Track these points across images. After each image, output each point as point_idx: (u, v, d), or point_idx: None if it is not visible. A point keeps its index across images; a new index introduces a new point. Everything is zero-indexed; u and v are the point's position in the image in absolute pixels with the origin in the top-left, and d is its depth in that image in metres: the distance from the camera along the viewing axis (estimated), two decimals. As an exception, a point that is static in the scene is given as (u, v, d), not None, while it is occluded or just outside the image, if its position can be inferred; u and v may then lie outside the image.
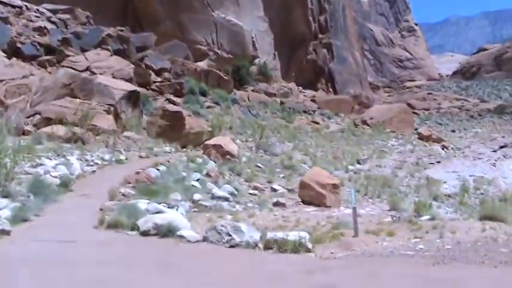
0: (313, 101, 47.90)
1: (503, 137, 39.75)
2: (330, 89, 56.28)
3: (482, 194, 25.47)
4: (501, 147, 35.54)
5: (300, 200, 17.22)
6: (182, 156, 20.53)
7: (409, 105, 53.90)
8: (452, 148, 35.07)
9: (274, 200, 16.64)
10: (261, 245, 8.49)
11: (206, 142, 21.92)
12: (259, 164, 21.78)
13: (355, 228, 10.92)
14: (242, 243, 8.37)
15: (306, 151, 26.74)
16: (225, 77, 41.89)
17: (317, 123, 38.77)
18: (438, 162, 29.62)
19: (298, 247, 8.38)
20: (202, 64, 43.70)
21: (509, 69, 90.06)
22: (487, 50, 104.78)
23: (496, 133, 42.45)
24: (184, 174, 17.13)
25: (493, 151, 34.55)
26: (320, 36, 57.77)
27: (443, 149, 34.04)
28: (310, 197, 16.94)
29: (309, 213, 14.48)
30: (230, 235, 8.44)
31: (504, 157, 33.18)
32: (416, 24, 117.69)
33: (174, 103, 30.06)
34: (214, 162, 20.15)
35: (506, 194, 26.10)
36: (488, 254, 8.45)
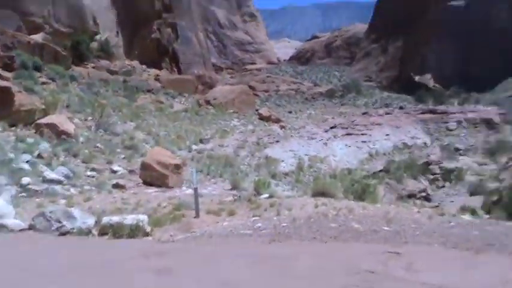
0: (157, 80, 46.75)
1: (333, 118, 42.70)
2: (174, 69, 55.53)
3: (315, 171, 27.14)
4: (331, 127, 38.17)
5: (141, 181, 16.65)
6: (10, 135, 18.54)
7: (250, 87, 55.38)
8: (289, 128, 36.77)
9: (114, 181, 15.85)
10: (95, 231, 7.90)
11: (38, 121, 20.07)
12: (98, 145, 20.53)
13: (196, 208, 10.77)
14: (74, 230, 7.69)
15: (149, 131, 25.99)
16: (63, 52, 38.87)
17: (161, 102, 37.94)
18: (277, 141, 30.84)
19: (135, 231, 7.96)
20: (37, 37, 40.03)
21: (337, 56, 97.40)
22: (319, 38, 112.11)
23: (327, 115, 45.46)
24: (11, 155, 15.47)
25: (325, 131, 36.98)
26: (164, 15, 56.57)
27: (281, 129, 35.57)
28: (152, 177, 16.45)
29: (150, 195, 14.01)
30: (60, 222, 7.68)
31: (334, 137, 35.72)
32: (257, 10, 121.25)
33: (2, 78, 27.04)
34: (48, 142, 18.53)
35: (336, 171, 28.18)
36: (320, 229, 8.90)
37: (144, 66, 49.91)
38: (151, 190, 15.30)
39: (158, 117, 31.56)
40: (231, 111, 39.89)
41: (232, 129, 32.70)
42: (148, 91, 41.68)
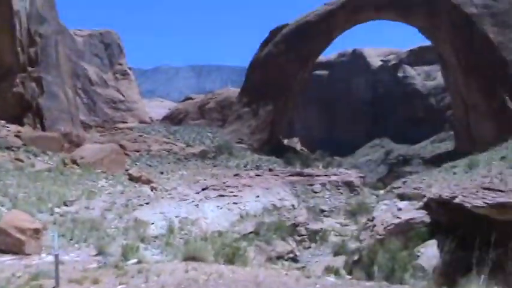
0: (17, 136, 43.73)
1: (205, 179, 42.80)
2: (38, 125, 52.54)
3: (186, 234, 26.63)
4: (203, 189, 38.16)
5: (-7, 248, 15.07)
6: None
7: (120, 146, 53.94)
8: (160, 189, 36.08)
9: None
10: None
11: None
12: None
13: (56, 278, 9.96)
14: None
15: (5, 192, 23.94)
16: None
17: (21, 160, 35.39)
18: (147, 203, 30.01)
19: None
20: None
21: (211, 118, 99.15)
22: (193, 99, 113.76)
23: (199, 176, 45.48)
24: None
25: (197, 193, 36.84)
26: (29, 69, 53.84)
27: (152, 190, 34.78)
28: (7, 244, 14.94)
29: (3, 264, 12.71)
30: None
31: (206, 198, 35.64)
32: (130, 69, 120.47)
33: None
34: None
35: (207, 234, 27.91)
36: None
37: (3, 122, 46.58)
38: (6, 258, 13.88)
39: (17, 177, 29.31)
40: (99, 171, 38.33)
41: (100, 190, 31.29)
42: (7, 148, 38.85)
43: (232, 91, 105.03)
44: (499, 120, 56.20)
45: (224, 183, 40.29)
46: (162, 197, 33.21)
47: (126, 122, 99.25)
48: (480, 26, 61.15)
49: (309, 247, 30.17)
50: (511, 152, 30.70)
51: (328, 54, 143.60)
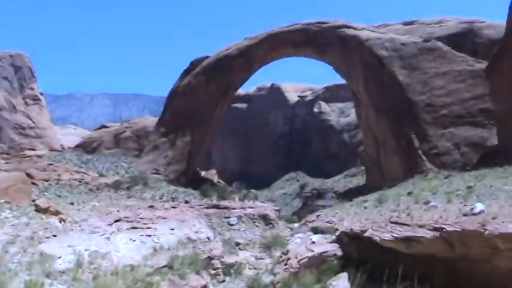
0: None
1: (118, 211, 41.37)
2: None
3: (96, 268, 25.43)
4: (116, 221, 36.79)
5: None
6: None
7: (28, 174, 51.17)
8: (69, 221, 34.41)
9: None
10: None
11: None
12: None
13: None
14: None
15: None
16: None
17: None
18: (54, 236, 28.44)
19: None
20: None
21: (126, 147, 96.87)
22: (108, 127, 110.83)
23: (112, 207, 43.93)
24: None
25: (109, 225, 35.42)
26: None
27: (60, 222, 33.06)
28: None
29: None
30: None
31: (118, 231, 34.33)
32: (41, 94, 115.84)
33: None
34: None
35: (118, 268, 26.83)
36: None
37: None
38: None
39: None
40: (3, 201, 35.97)
41: (3, 222, 29.29)
42: None
43: (150, 120, 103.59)
44: (406, 157, 59.26)
45: (138, 215, 39.15)
46: (71, 229, 31.60)
47: (35, 150, 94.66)
48: (390, 68, 64.80)
49: (223, 281, 29.81)
50: (417, 188, 32.28)
51: (248, 88, 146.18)
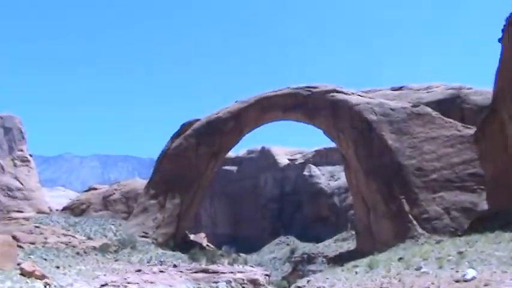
0: None
1: (105, 275, 40.56)
2: None
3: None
4: (102, 285, 36.01)
5: None
6: None
7: (14, 237, 50.25)
8: (55, 285, 33.57)
9: None
10: None
11: None
12: None
13: None
14: None
15: None
16: None
17: None
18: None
19: None
20: None
21: (115, 209, 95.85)
22: (97, 189, 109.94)
23: (98, 271, 43.06)
24: None
25: (95, 290, 34.65)
26: None
27: (45, 287, 32.24)
28: None
29: None
30: None
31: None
32: (30, 155, 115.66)
33: None
34: None
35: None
36: None
37: None
38: None
39: None
40: (-12, 264, 35.14)
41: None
42: None
43: (139, 182, 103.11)
44: (396, 222, 59.12)
45: (125, 279, 38.38)
46: (55, 294, 30.84)
47: (23, 212, 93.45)
48: (379, 132, 65.82)
49: None
50: (408, 253, 32.11)
51: (238, 150, 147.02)
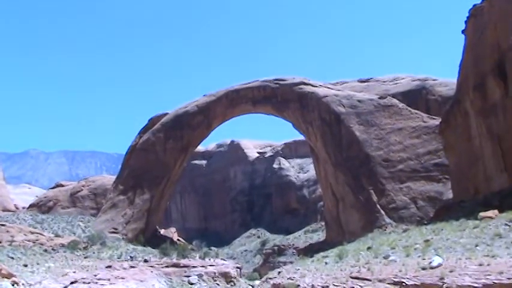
0: None
1: (74, 272, 40.06)
2: None
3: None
4: (72, 282, 35.58)
5: None
6: None
7: (-22, 236, 49.22)
8: (23, 284, 33.04)
9: None
10: None
11: None
12: None
13: None
14: None
15: None
16: None
17: None
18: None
19: None
20: None
21: (83, 206, 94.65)
22: (64, 186, 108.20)
23: (68, 268, 42.53)
24: None
25: (65, 286, 34.22)
26: None
27: (13, 285, 31.71)
28: None
29: None
30: None
31: (75, 293, 33.22)
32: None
33: None
34: None
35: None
36: None
37: None
38: None
39: None
40: (-48, 264, 34.34)
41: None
42: None
43: (108, 178, 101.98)
44: (364, 212, 60.05)
45: (95, 275, 37.99)
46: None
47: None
48: (347, 124, 66.58)
49: None
50: (376, 243, 32.69)
51: (207, 144, 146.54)
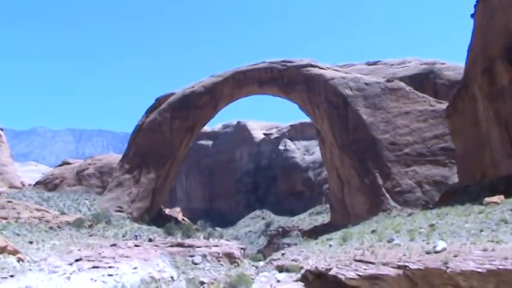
0: None
1: (79, 250, 40.31)
2: None
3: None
4: (77, 260, 35.80)
5: None
6: None
7: (-16, 212, 49.60)
8: (28, 261, 33.29)
9: None
10: None
11: None
12: None
13: None
14: None
15: None
16: None
17: None
18: (12, 276, 27.46)
19: None
20: None
21: (89, 184, 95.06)
22: (70, 164, 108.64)
23: (73, 246, 42.79)
24: None
25: (69, 264, 34.42)
26: None
27: (18, 262, 31.95)
28: None
29: None
30: None
31: (79, 270, 33.42)
32: (1, 129, 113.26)
33: None
34: None
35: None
36: None
37: None
38: None
39: None
40: (-42, 239, 34.62)
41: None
42: None
43: (114, 157, 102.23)
44: (370, 195, 60.02)
45: (100, 253, 38.23)
46: (30, 269, 30.58)
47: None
48: (354, 107, 66.23)
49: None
50: (380, 226, 32.63)
51: (213, 125, 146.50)
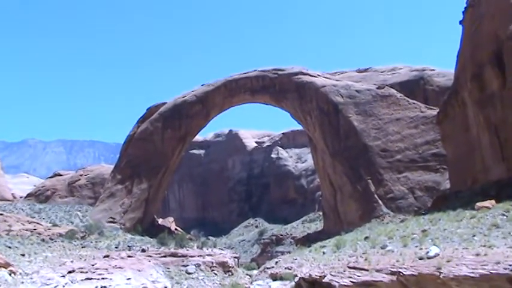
0: None
1: (72, 261, 40.08)
2: None
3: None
4: (69, 272, 35.61)
5: None
6: None
7: (-25, 225, 49.17)
8: (20, 273, 33.06)
9: None
10: None
11: None
12: None
13: None
14: None
15: None
16: None
17: None
18: (3, 290, 27.25)
19: None
20: None
21: (81, 195, 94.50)
22: (62, 175, 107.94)
23: (65, 258, 42.53)
24: None
25: (62, 276, 34.22)
26: None
27: (10, 275, 31.72)
28: None
29: None
30: None
31: (72, 282, 33.24)
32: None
33: None
34: None
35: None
36: None
37: None
38: None
39: None
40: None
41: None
42: None
43: (105, 167, 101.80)
44: (362, 202, 60.15)
45: (93, 265, 38.03)
46: (22, 282, 30.40)
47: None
48: (345, 114, 66.50)
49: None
50: (373, 232, 32.72)
51: (205, 134, 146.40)
